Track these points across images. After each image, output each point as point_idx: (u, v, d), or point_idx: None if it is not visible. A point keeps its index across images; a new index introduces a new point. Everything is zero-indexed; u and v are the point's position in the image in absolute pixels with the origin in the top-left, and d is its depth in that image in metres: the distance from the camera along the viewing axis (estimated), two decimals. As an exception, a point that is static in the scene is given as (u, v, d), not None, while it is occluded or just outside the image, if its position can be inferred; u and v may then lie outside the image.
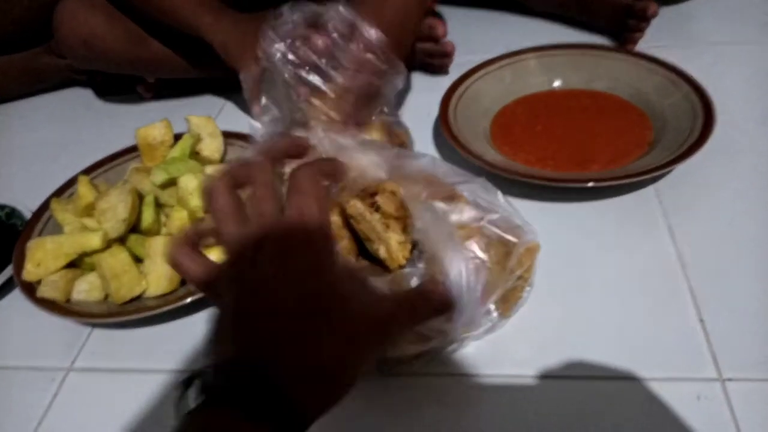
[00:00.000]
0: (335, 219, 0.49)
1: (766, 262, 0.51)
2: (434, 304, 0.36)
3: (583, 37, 0.85)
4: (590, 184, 0.57)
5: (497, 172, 0.59)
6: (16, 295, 0.58)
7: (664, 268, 0.52)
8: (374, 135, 0.62)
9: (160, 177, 0.58)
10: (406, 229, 0.48)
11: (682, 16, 0.86)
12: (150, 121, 0.67)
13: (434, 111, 0.70)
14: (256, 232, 0.32)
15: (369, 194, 0.48)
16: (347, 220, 0.49)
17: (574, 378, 0.46)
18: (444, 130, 0.66)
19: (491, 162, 0.61)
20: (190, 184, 0.58)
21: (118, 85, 0.88)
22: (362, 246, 0.50)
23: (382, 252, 0.47)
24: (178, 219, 0.56)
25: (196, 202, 0.58)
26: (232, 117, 0.83)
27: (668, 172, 0.60)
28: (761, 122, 0.66)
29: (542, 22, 0.90)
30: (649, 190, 0.60)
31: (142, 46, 0.78)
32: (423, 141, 0.71)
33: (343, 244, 0.49)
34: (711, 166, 0.60)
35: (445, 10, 0.96)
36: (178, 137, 0.66)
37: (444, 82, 0.74)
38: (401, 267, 0.48)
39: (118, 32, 0.76)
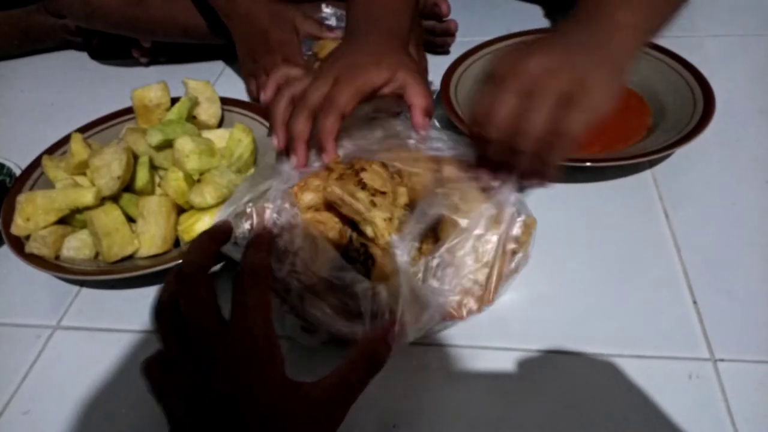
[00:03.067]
0: (322, 211, 0.49)
1: (759, 247, 0.52)
2: (377, 360, 0.35)
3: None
4: (588, 164, 0.57)
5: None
6: (4, 252, 0.57)
7: (659, 249, 0.53)
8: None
9: (155, 138, 0.57)
10: (394, 201, 0.48)
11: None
12: (148, 83, 0.66)
13: (435, 88, 0.70)
14: (196, 350, 0.32)
15: (355, 171, 0.47)
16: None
17: (567, 354, 0.46)
18: (446, 106, 0.65)
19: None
20: (186, 146, 0.57)
21: (114, 48, 0.87)
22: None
23: (369, 232, 0.46)
24: (173, 180, 0.55)
25: (191, 164, 0.57)
26: (230, 83, 0.82)
27: (666, 157, 0.61)
28: (760, 112, 0.66)
29: (544, 8, 0.90)
30: (646, 174, 0.60)
31: (141, 7, 0.76)
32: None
33: (332, 235, 0.48)
34: (708, 153, 0.61)
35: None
36: (175, 101, 0.65)
37: (445, 62, 0.73)
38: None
39: None
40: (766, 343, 0.45)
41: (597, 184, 0.60)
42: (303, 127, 0.48)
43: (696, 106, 0.62)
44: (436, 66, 0.74)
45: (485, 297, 0.47)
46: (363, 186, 0.47)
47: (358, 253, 0.47)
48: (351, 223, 0.48)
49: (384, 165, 0.49)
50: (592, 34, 0.45)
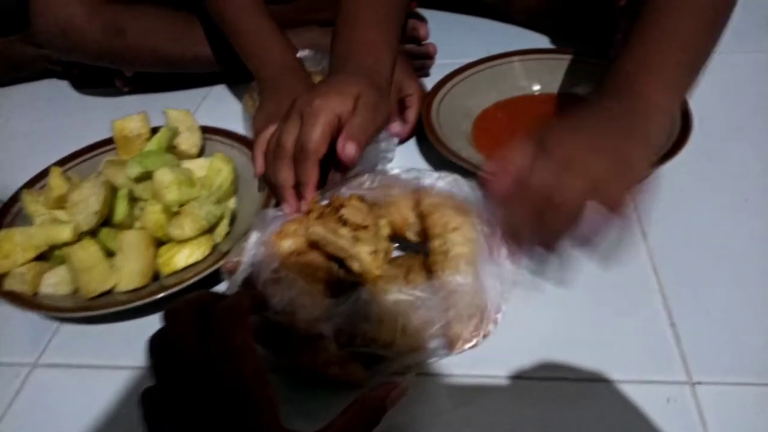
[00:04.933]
0: (306, 253, 0.49)
1: (737, 268, 0.52)
2: (376, 417, 0.35)
3: (563, 44, 0.85)
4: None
5: (479, 172, 0.59)
6: (-18, 288, 0.57)
7: (636, 271, 0.53)
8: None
9: (134, 170, 0.57)
10: (377, 234, 0.48)
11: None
12: (127, 115, 0.66)
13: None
14: (189, 388, 0.32)
15: (335, 209, 0.47)
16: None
17: (545, 379, 0.46)
18: (427, 130, 0.66)
19: (475, 163, 0.61)
20: (166, 177, 0.57)
21: (96, 77, 0.87)
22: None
23: (356, 267, 0.47)
24: (152, 213, 0.55)
25: (171, 196, 0.57)
26: (211, 112, 0.82)
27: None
28: (736, 130, 0.67)
29: (523, 29, 0.90)
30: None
31: (120, 39, 0.76)
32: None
33: (320, 275, 0.48)
34: (686, 171, 0.61)
35: (426, 13, 0.97)
36: (156, 131, 0.65)
37: (425, 84, 0.74)
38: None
39: (95, 24, 0.75)
40: (745, 365, 0.45)
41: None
42: (285, 176, 0.49)
43: (674, 127, 0.62)
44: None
45: (479, 329, 0.47)
46: (344, 222, 0.47)
47: (351, 294, 0.46)
48: (337, 261, 0.48)
49: (362, 198, 0.50)
50: (629, 116, 0.45)
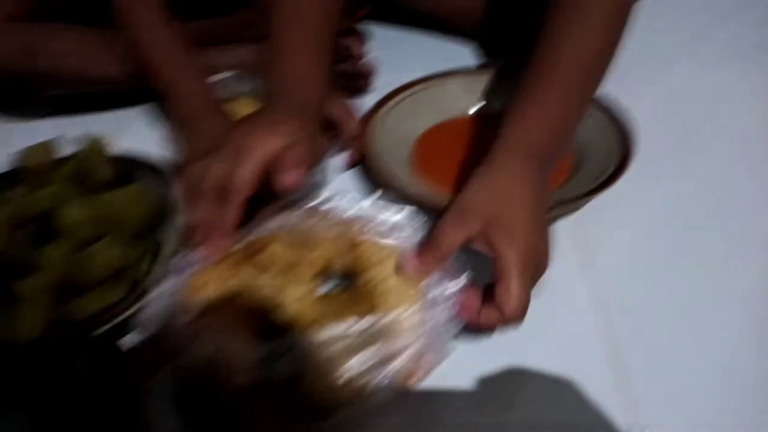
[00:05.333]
0: (230, 300, 0.44)
1: (683, 302, 0.50)
2: None
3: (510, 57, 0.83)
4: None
5: (415, 203, 0.56)
6: None
7: (576, 307, 0.51)
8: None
9: (39, 205, 0.52)
10: (305, 274, 0.44)
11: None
12: (41, 139, 0.60)
13: (353, 134, 0.67)
14: None
15: (256, 251, 0.43)
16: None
17: (487, 426, 0.43)
18: (365, 156, 0.62)
19: (410, 194, 0.58)
20: (74, 213, 0.52)
21: (9, 98, 0.80)
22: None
23: (284, 316, 0.43)
24: (56, 252, 0.50)
25: (81, 233, 0.52)
26: (137, 135, 0.76)
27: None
28: (678, 148, 0.66)
29: (471, 44, 0.88)
30: (560, 224, 0.58)
31: (31, 60, 0.71)
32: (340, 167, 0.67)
33: (243, 335, 0.43)
34: (628, 194, 0.59)
35: (368, 28, 0.94)
36: (69, 159, 0.60)
37: (364, 104, 0.71)
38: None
39: (12, 43, 0.70)
40: (693, 408, 0.43)
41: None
42: (206, 217, 0.46)
43: (614, 148, 0.61)
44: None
45: (421, 366, 0.44)
46: (265, 268, 0.43)
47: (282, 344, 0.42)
48: (263, 308, 0.44)
49: (286, 237, 0.46)
50: (533, 197, 0.47)
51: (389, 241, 0.46)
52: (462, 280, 0.44)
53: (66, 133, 0.63)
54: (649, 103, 0.73)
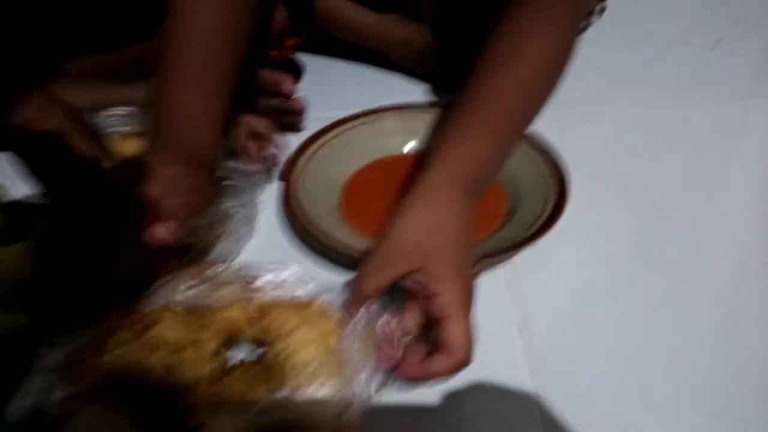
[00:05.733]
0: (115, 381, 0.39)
1: (625, 360, 0.48)
2: None
3: (443, 96, 0.81)
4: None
5: (338, 254, 0.53)
6: None
7: (510, 366, 0.47)
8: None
9: None
10: (203, 350, 0.39)
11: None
12: None
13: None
14: None
15: (144, 328, 0.39)
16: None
17: None
18: (285, 203, 0.58)
19: (333, 244, 0.54)
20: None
21: None
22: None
23: (178, 401, 0.38)
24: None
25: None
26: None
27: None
28: (616, 191, 0.64)
29: (404, 77, 0.85)
30: (496, 273, 0.55)
31: None
32: (267, 208, 0.63)
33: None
34: (564, 241, 0.56)
35: (305, 59, 0.90)
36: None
37: (296, 141, 0.67)
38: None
39: None
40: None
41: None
42: None
43: (549, 192, 0.58)
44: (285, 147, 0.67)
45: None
46: (156, 346, 0.38)
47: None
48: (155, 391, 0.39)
49: (181, 308, 0.41)
50: (463, 228, 0.45)
51: (297, 308, 0.42)
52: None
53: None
54: (582, 140, 0.71)
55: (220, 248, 0.56)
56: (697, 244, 0.57)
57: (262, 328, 0.41)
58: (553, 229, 0.53)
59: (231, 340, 0.44)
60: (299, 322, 0.41)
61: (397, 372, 0.41)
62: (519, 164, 0.62)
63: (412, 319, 0.42)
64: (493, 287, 0.53)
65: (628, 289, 0.53)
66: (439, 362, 0.39)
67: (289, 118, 0.72)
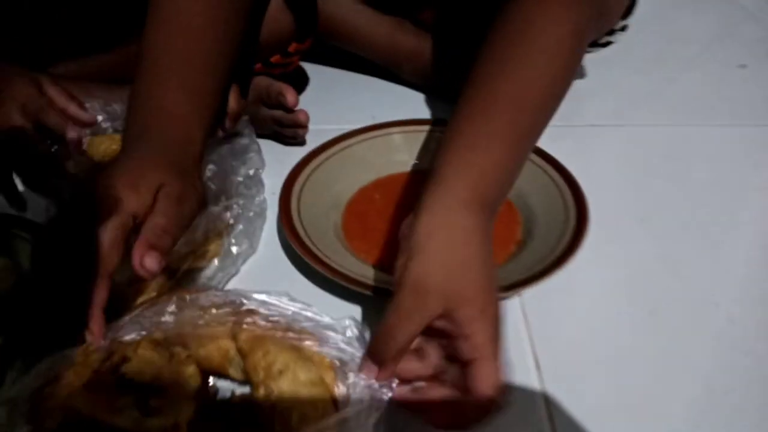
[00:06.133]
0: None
1: (645, 396, 0.43)
2: None
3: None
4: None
5: (340, 282, 0.48)
6: None
7: (526, 402, 0.43)
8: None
9: None
10: (180, 393, 0.35)
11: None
12: None
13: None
14: None
15: (113, 366, 0.34)
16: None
17: None
18: (285, 223, 0.54)
19: (335, 269, 0.49)
20: None
21: None
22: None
23: None
24: None
25: None
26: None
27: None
28: (636, 217, 0.59)
29: (411, 92, 0.81)
30: (513, 303, 0.51)
31: None
32: (268, 228, 0.59)
33: None
34: (583, 273, 0.52)
35: (312, 69, 0.87)
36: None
37: (299, 154, 0.63)
38: None
39: None
40: None
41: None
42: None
43: (568, 217, 0.54)
44: (288, 159, 0.63)
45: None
46: (125, 387, 0.33)
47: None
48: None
49: (157, 342, 0.37)
50: (488, 255, 0.40)
51: (285, 345, 0.37)
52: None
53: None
54: (599, 162, 0.67)
55: (216, 267, 0.52)
56: (719, 272, 0.53)
57: (251, 365, 0.37)
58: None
59: (216, 373, 0.39)
60: (291, 361, 0.37)
61: (426, 417, 0.37)
62: (533, 185, 0.58)
63: (431, 361, 0.37)
64: (508, 313, 0.49)
65: (647, 319, 0.49)
66: (472, 407, 0.35)
67: (291, 131, 0.68)
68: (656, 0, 0.97)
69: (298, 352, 0.37)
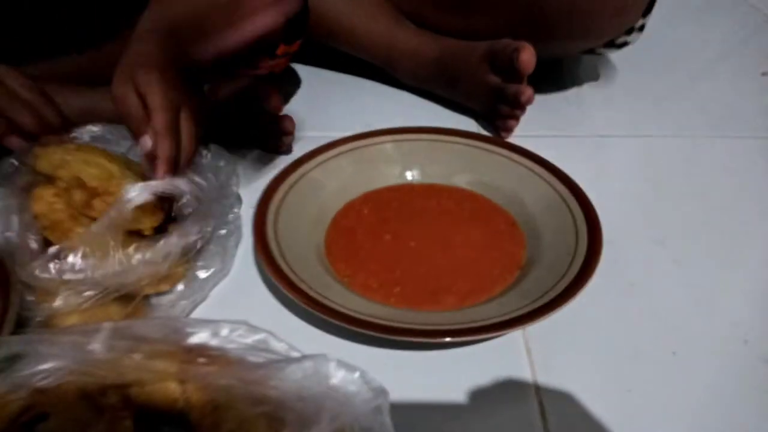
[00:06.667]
0: None
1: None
2: None
3: (452, 119, 0.71)
4: (447, 339, 0.41)
5: (321, 315, 0.42)
6: None
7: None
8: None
9: None
10: None
11: (568, 101, 0.75)
12: None
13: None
14: None
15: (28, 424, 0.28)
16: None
17: None
18: (257, 244, 0.48)
19: (314, 298, 0.43)
20: None
21: None
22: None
23: None
24: None
25: None
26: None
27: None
28: (653, 239, 0.53)
29: (410, 96, 0.76)
30: (516, 334, 0.45)
31: None
32: (243, 246, 0.53)
33: None
34: (595, 301, 0.46)
35: (303, 70, 0.81)
36: None
37: (284, 162, 0.57)
38: None
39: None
40: None
41: (454, 351, 0.44)
42: None
43: (578, 238, 0.48)
44: (268, 169, 0.58)
45: None
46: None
47: None
48: None
49: (83, 390, 0.31)
50: None
51: (254, 400, 0.31)
52: None
53: None
54: (609, 175, 0.61)
55: (181, 292, 0.47)
56: (747, 303, 0.47)
57: (198, 416, 0.31)
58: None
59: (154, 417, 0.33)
60: (244, 421, 0.30)
61: None
62: (539, 203, 0.53)
63: None
64: (509, 352, 0.43)
65: (670, 361, 0.43)
66: None
67: (275, 139, 0.62)
68: (672, 3, 0.92)
69: (256, 406, 0.31)
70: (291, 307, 0.47)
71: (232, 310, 0.47)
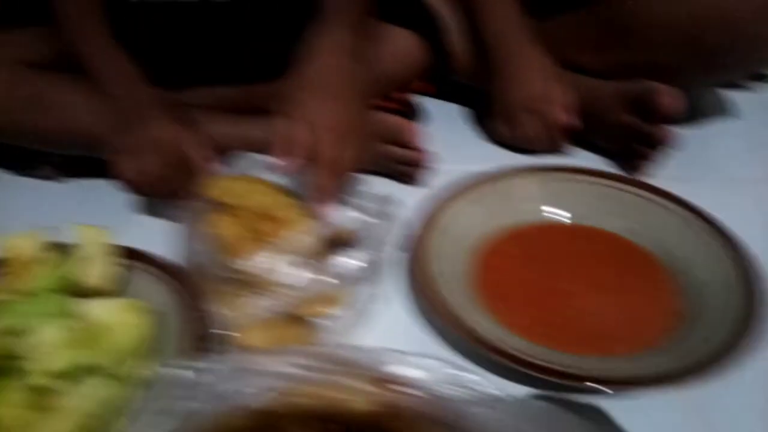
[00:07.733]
0: None
1: None
2: None
3: (587, 159, 0.70)
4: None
5: (482, 351, 0.44)
6: None
7: None
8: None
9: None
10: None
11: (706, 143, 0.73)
12: (48, 212, 0.57)
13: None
14: None
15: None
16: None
17: None
18: (417, 277, 0.50)
19: (475, 333, 0.45)
20: (48, 335, 0.41)
21: (15, 160, 0.70)
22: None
23: None
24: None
25: (57, 362, 0.40)
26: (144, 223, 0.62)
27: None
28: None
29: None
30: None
31: (48, 116, 0.61)
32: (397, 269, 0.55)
33: None
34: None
35: (435, 105, 0.81)
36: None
37: (415, 194, 0.60)
38: None
39: (20, 95, 0.61)
40: None
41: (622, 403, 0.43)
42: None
43: (741, 290, 0.47)
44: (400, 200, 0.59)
45: None
46: None
47: None
48: None
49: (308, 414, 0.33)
50: None
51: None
52: None
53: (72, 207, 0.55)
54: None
55: (342, 315, 0.49)
56: None
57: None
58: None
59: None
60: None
61: None
62: (696, 254, 0.52)
63: None
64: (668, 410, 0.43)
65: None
66: None
67: (405, 169, 0.64)
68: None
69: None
70: (445, 338, 0.48)
71: (390, 337, 0.49)
